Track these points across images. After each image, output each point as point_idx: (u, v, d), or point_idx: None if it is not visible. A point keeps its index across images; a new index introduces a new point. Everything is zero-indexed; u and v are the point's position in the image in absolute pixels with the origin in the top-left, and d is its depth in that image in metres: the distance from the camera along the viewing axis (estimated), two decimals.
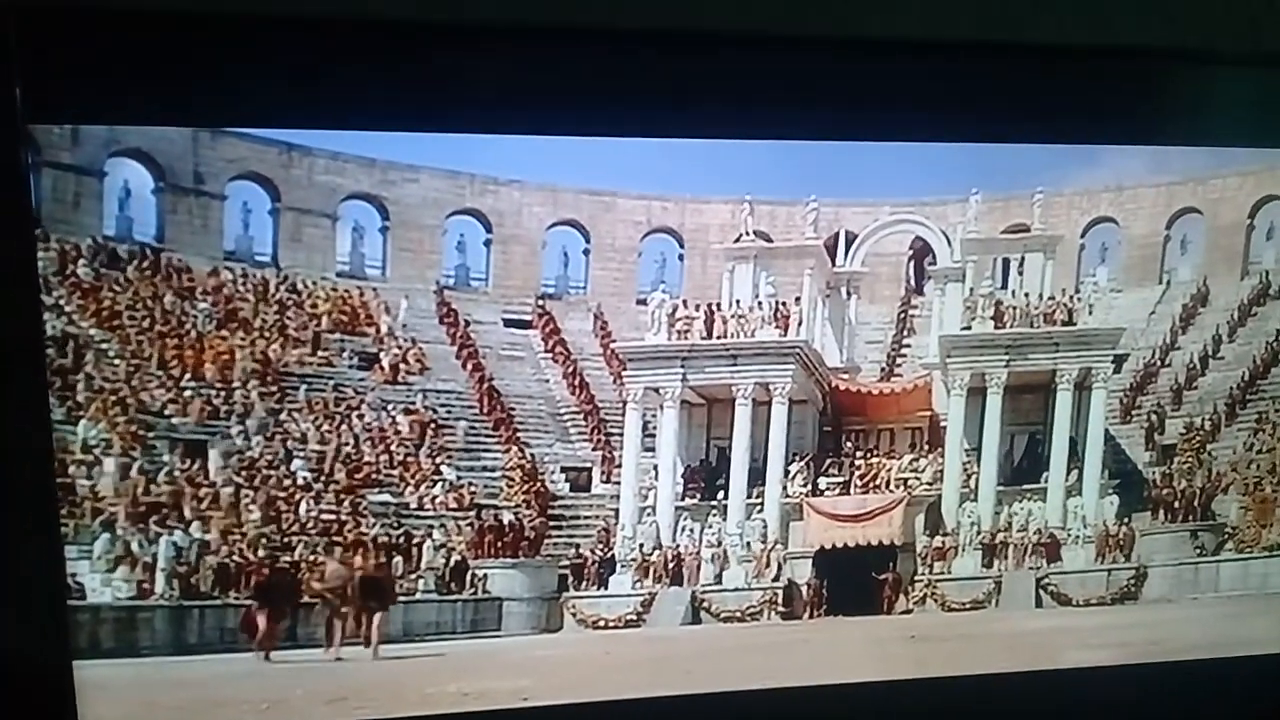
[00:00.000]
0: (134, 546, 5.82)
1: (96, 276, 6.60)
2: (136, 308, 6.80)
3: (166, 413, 6.64)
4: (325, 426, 7.38)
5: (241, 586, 6.13)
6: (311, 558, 6.72)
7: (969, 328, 8.40)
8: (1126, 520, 7.77)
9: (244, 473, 6.76)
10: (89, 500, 5.78)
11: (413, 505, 7.39)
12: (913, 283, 9.53)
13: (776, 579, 7.63)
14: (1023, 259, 8.62)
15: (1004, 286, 8.63)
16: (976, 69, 3.44)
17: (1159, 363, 8.95)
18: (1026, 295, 8.44)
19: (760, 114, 3.45)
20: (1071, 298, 8.34)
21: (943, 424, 8.40)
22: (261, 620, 5.99)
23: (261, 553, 6.53)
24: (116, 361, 6.50)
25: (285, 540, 6.61)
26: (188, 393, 6.79)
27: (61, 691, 3.41)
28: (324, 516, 6.92)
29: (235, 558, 6.25)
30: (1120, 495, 7.96)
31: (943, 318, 8.72)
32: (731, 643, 7.04)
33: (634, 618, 7.15)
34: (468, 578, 7.11)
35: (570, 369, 9.03)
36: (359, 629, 6.35)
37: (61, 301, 6.23)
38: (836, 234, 8.90)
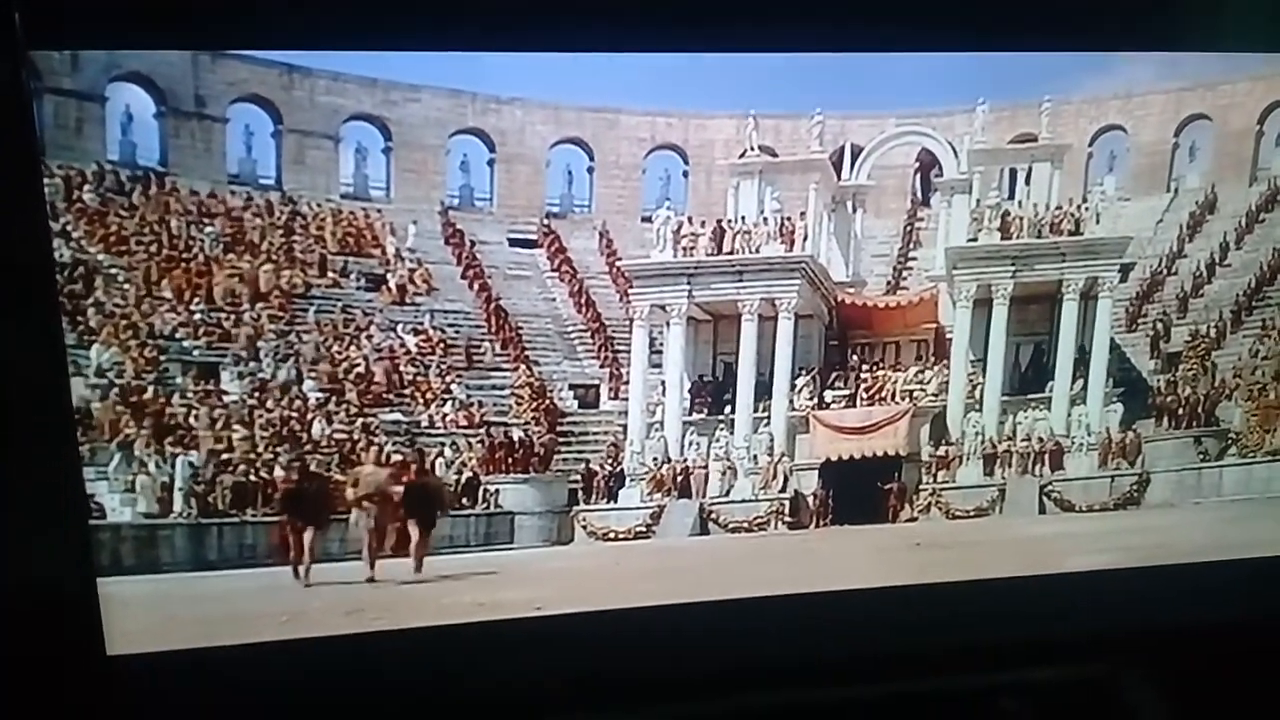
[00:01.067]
0: (150, 467, 5.91)
1: (102, 202, 6.61)
2: (144, 232, 6.84)
3: (178, 336, 6.72)
4: (335, 347, 7.44)
5: (259, 504, 6.16)
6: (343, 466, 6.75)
7: (975, 239, 8.36)
8: (1131, 427, 7.82)
9: (256, 394, 6.83)
10: (105, 423, 5.85)
11: (424, 424, 7.48)
12: (919, 195, 9.48)
13: (783, 490, 7.73)
14: (1030, 169, 8.56)
15: (1011, 197, 8.57)
16: None
17: (1165, 271, 8.92)
18: (1034, 205, 8.39)
19: (764, 27, 3.43)
20: (1079, 207, 8.29)
21: (948, 336, 8.42)
22: (293, 536, 5.83)
23: (281, 468, 6.48)
24: (126, 286, 6.56)
25: (301, 460, 6.62)
26: (197, 316, 6.85)
27: (87, 607, 3.52)
28: (337, 436, 6.97)
29: (251, 477, 6.27)
30: (1124, 403, 7.99)
31: (949, 230, 8.68)
32: (739, 553, 7.18)
33: (643, 530, 7.28)
34: (480, 493, 7.19)
35: (576, 287, 9.07)
36: (402, 546, 6.08)
37: (69, 227, 6.26)
38: (842, 147, 8.83)
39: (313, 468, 6.58)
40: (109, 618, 3.57)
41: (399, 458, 6.92)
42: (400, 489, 6.31)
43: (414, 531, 6.13)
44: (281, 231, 7.74)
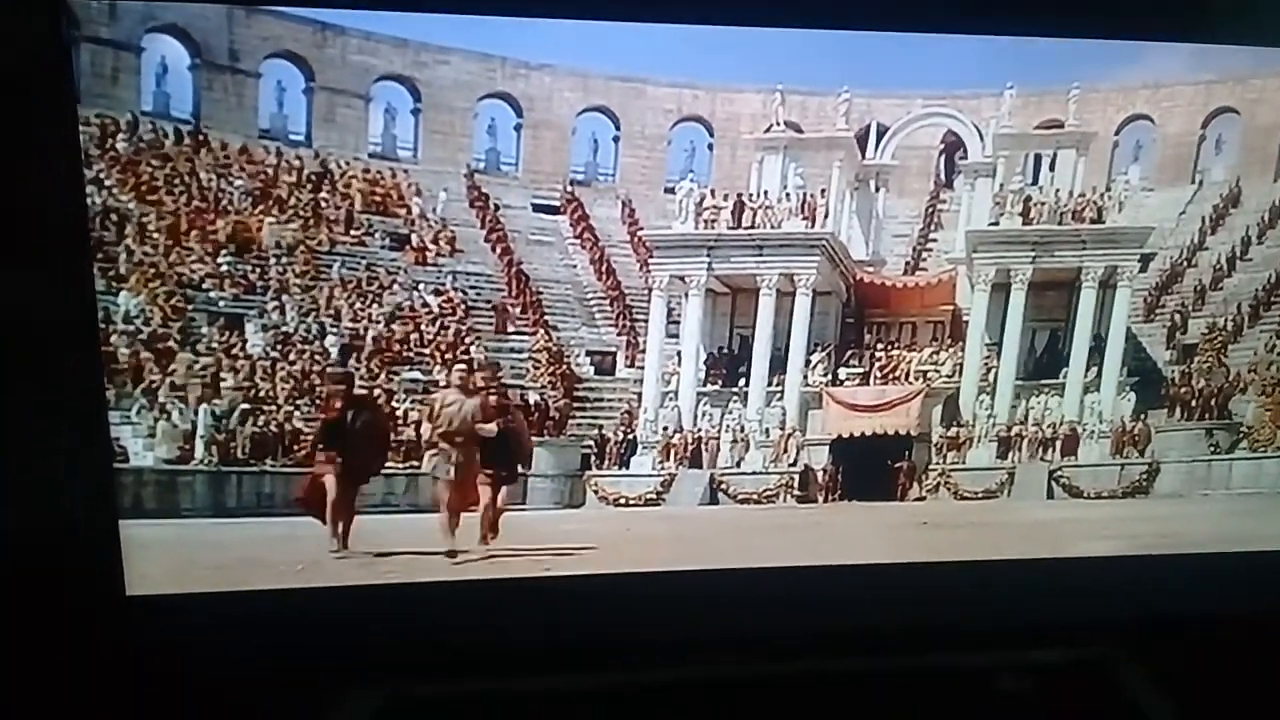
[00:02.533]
0: (174, 414, 6.00)
1: (135, 151, 6.67)
2: (174, 183, 6.91)
3: (205, 286, 6.79)
4: (358, 304, 7.50)
5: (278, 453, 6.21)
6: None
7: (997, 223, 8.37)
8: (1143, 417, 7.83)
9: (279, 347, 6.91)
10: (130, 368, 5.94)
11: (441, 383, 7.52)
12: (942, 177, 9.45)
13: (794, 464, 7.79)
14: (1055, 155, 8.53)
15: (1034, 182, 8.55)
16: None
17: (1186, 263, 8.90)
18: (1056, 192, 8.37)
19: (795, 2, 3.44)
20: (1102, 195, 8.27)
21: (965, 318, 8.43)
22: (333, 485, 5.02)
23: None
24: (155, 235, 6.63)
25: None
26: (224, 268, 6.92)
27: (109, 548, 3.60)
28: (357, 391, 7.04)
29: (272, 427, 6.33)
30: (1138, 392, 8.01)
31: (971, 213, 8.67)
32: (747, 523, 7.24)
33: (654, 497, 7.33)
34: None
35: (598, 255, 9.11)
36: (469, 502, 5.20)
37: (102, 175, 6.32)
38: (868, 126, 8.81)
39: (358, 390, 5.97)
40: (129, 559, 3.64)
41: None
42: (492, 428, 5.34)
43: (485, 490, 5.28)
44: (309, 188, 7.80)
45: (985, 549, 5.32)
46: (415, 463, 5.91)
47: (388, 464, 5.82)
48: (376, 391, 7.02)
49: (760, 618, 3.99)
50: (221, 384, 6.38)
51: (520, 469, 5.81)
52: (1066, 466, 7.78)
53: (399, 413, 6.85)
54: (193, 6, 5.53)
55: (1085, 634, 4.19)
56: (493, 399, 5.54)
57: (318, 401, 6.41)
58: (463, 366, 6.02)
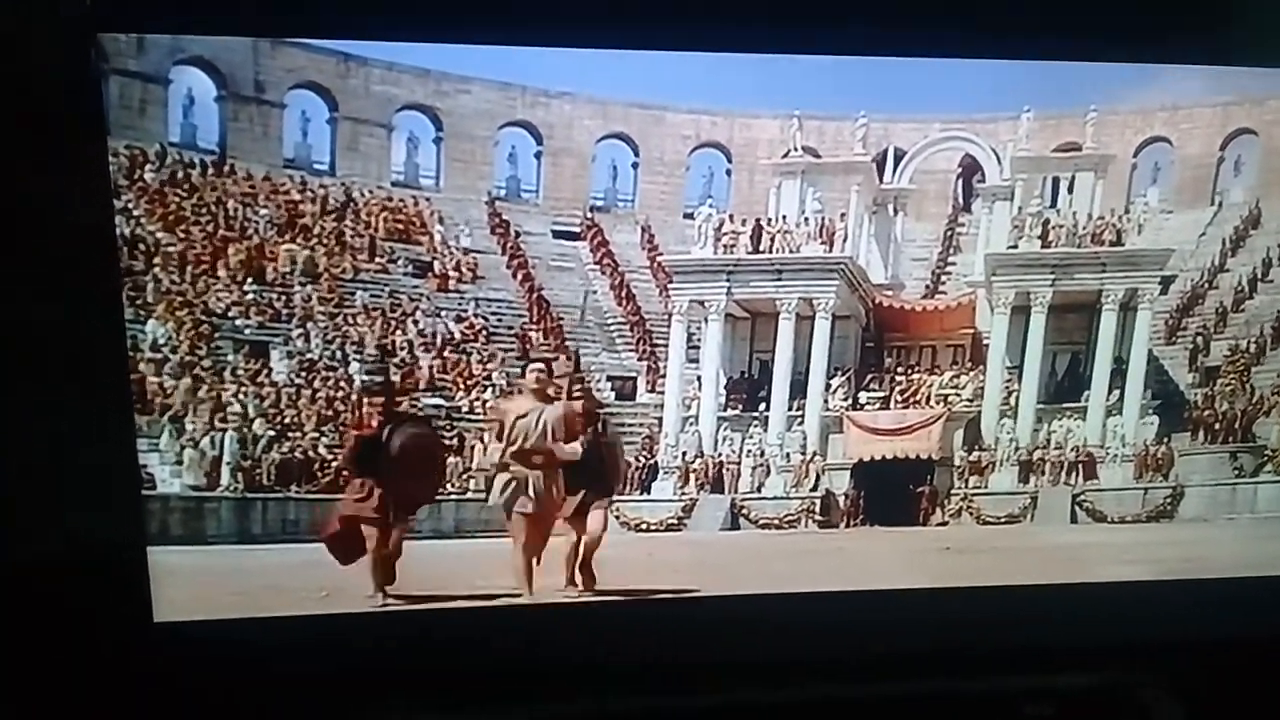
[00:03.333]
0: (201, 441, 6.05)
1: (162, 182, 6.76)
2: (201, 212, 6.99)
3: (230, 314, 6.86)
4: (381, 331, 7.56)
5: (303, 480, 6.24)
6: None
7: (1015, 246, 8.37)
8: (1166, 440, 7.79)
9: (304, 374, 6.96)
10: (158, 396, 5.99)
11: (464, 409, 7.57)
12: (961, 200, 9.45)
13: (815, 489, 7.78)
14: (1073, 178, 8.52)
15: (1053, 205, 8.55)
16: None
17: (1206, 285, 8.85)
18: (1075, 214, 8.37)
19: (811, 29, 3.48)
20: (1121, 218, 8.26)
21: (985, 341, 8.42)
22: (369, 520, 4.39)
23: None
24: (183, 264, 6.72)
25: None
26: (250, 296, 6.98)
27: (137, 574, 3.63)
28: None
29: (297, 454, 6.35)
30: (1160, 416, 7.97)
31: (989, 236, 8.67)
32: (769, 549, 7.23)
33: (675, 522, 7.33)
34: None
35: (617, 280, 9.14)
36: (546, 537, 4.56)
37: (130, 205, 6.41)
38: (885, 150, 8.83)
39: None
40: (156, 586, 3.67)
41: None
42: (577, 448, 4.61)
43: (575, 524, 4.65)
44: (333, 216, 7.88)
45: (1008, 574, 5.28)
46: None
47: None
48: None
49: (781, 643, 3.98)
50: (247, 410, 6.43)
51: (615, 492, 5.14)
52: (1090, 490, 7.73)
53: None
54: (219, 39, 5.60)
55: (1110, 659, 4.16)
56: (578, 405, 4.81)
57: (346, 420, 6.17)
58: (539, 366, 4.92)
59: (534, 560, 4.56)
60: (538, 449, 4.57)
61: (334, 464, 6.10)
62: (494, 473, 4.68)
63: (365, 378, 6.45)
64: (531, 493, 4.57)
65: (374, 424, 4.54)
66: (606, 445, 4.90)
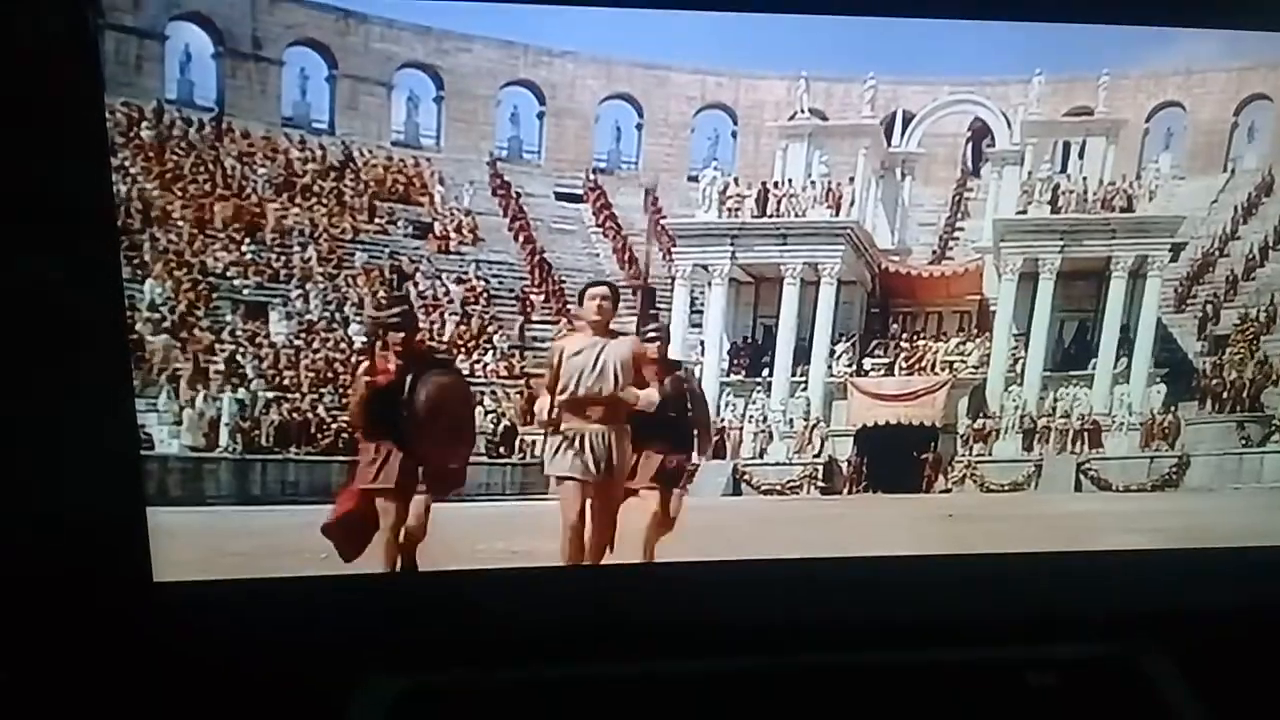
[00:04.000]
0: (199, 402, 6.02)
1: (160, 139, 6.69)
2: (199, 171, 6.92)
3: (229, 275, 6.81)
4: (381, 293, 7.51)
5: (301, 443, 6.21)
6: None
7: (1024, 212, 8.29)
8: (1173, 409, 7.75)
9: (303, 335, 6.92)
10: (156, 355, 5.96)
11: (464, 372, 7.53)
12: (969, 165, 9.36)
13: (818, 455, 7.76)
14: (1084, 143, 8.43)
15: (1063, 171, 8.47)
16: None
17: (1217, 252, 8.78)
18: (1085, 180, 8.28)
19: None
20: (1132, 184, 8.18)
21: (992, 308, 8.37)
22: (386, 496, 3.73)
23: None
24: (180, 223, 6.65)
25: (344, 400, 6.59)
26: (248, 256, 6.93)
27: (137, 535, 3.61)
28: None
29: (295, 415, 6.35)
30: (1168, 384, 7.93)
31: (998, 201, 8.60)
32: (770, 514, 7.22)
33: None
34: (516, 443, 7.21)
35: (620, 244, 9.07)
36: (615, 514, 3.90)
37: (127, 163, 6.35)
38: (893, 113, 8.74)
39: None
40: (155, 546, 3.65)
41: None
42: (654, 395, 3.80)
43: (648, 494, 4.04)
44: (332, 176, 7.81)
45: (1011, 542, 5.26)
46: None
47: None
48: None
49: (782, 609, 3.96)
50: (246, 371, 6.40)
51: (697, 455, 4.32)
52: (1095, 459, 7.71)
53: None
54: None
55: (1113, 628, 4.14)
56: (651, 347, 4.02)
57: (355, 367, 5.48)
58: (602, 290, 3.85)
59: (582, 543, 3.85)
60: (594, 396, 3.72)
61: (333, 426, 6.07)
62: (548, 433, 3.81)
63: (379, 313, 5.35)
64: (589, 454, 3.76)
65: (392, 369, 3.78)
66: (693, 396, 4.21)
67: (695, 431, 4.23)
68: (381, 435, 3.79)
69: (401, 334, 3.89)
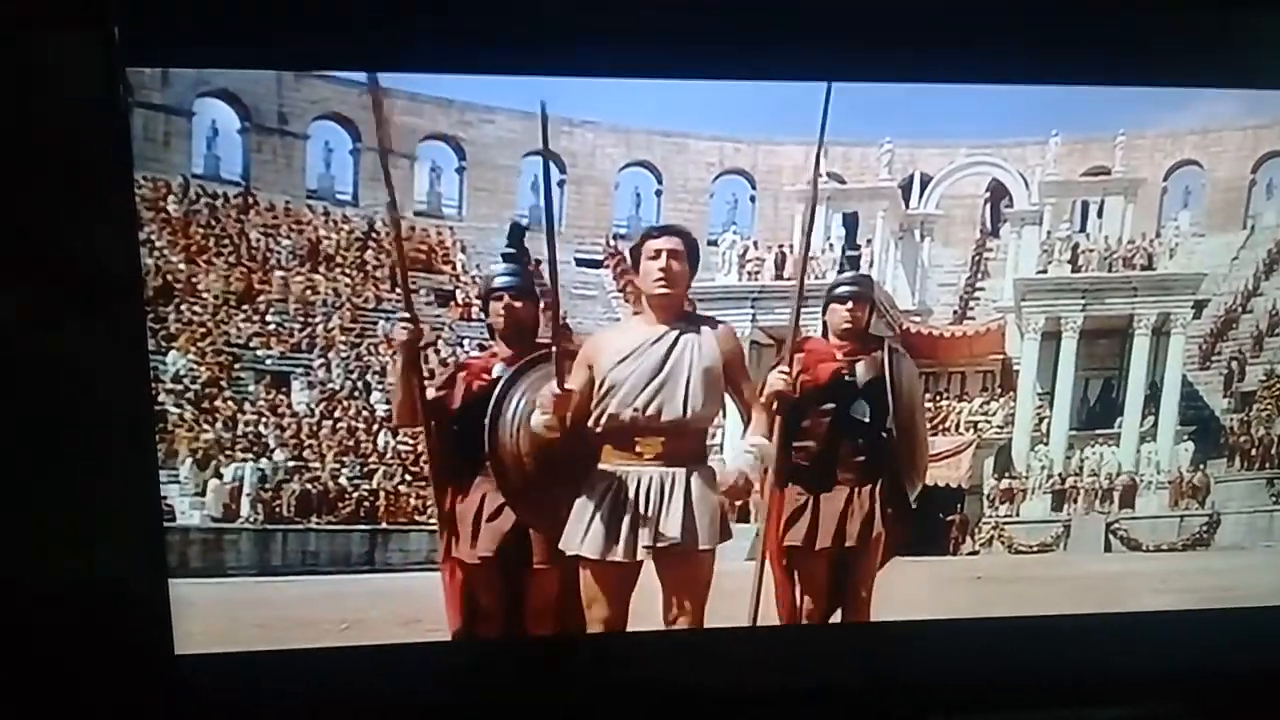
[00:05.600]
0: (221, 472, 6.04)
1: (186, 213, 6.80)
2: (224, 244, 7.02)
3: (252, 345, 6.87)
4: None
5: (322, 512, 6.22)
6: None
7: (1045, 271, 8.30)
8: (1201, 466, 7.66)
9: (325, 404, 6.95)
10: (179, 427, 6.00)
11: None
12: (988, 225, 9.38)
13: None
14: (1102, 202, 8.46)
15: (1082, 230, 8.48)
16: (1059, 7, 3.42)
17: (1240, 309, 8.73)
18: (1105, 239, 8.30)
19: (835, 56, 3.47)
20: (1152, 242, 8.19)
21: (1015, 368, 8.34)
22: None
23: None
24: (205, 295, 6.72)
25: (366, 469, 6.63)
26: (271, 326, 6.99)
27: (159, 608, 3.62)
28: (401, 448, 7.05)
29: (316, 485, 6.34)
30: (1196, 442, 7.84)
31: (1018, 261, 8.61)
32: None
33: None
34: None
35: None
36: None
37: (153, 237, 6.45)
38: (911, 176, 8.80)
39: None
40: (176, 618, 3.66)
41: None
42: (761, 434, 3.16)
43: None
44: (356, 246, 7.89)
45: (1040, 604, 5.18)
46: None
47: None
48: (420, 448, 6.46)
49: (808, 675, 3.92)
50: (268, 442, 6.42)
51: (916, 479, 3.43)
52: (1124, 519, 7.62)
53: None
54: (244, 72, 5.65)
55: (1146, 690, 4.08)
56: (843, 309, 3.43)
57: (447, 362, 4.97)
58: (668, 241, 3.32)
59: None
60: (654, 425, 2.81)
61: (354, 495, 6.05)
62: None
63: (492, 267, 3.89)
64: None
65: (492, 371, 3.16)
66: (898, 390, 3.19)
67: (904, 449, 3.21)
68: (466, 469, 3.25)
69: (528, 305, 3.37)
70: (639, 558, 3.04)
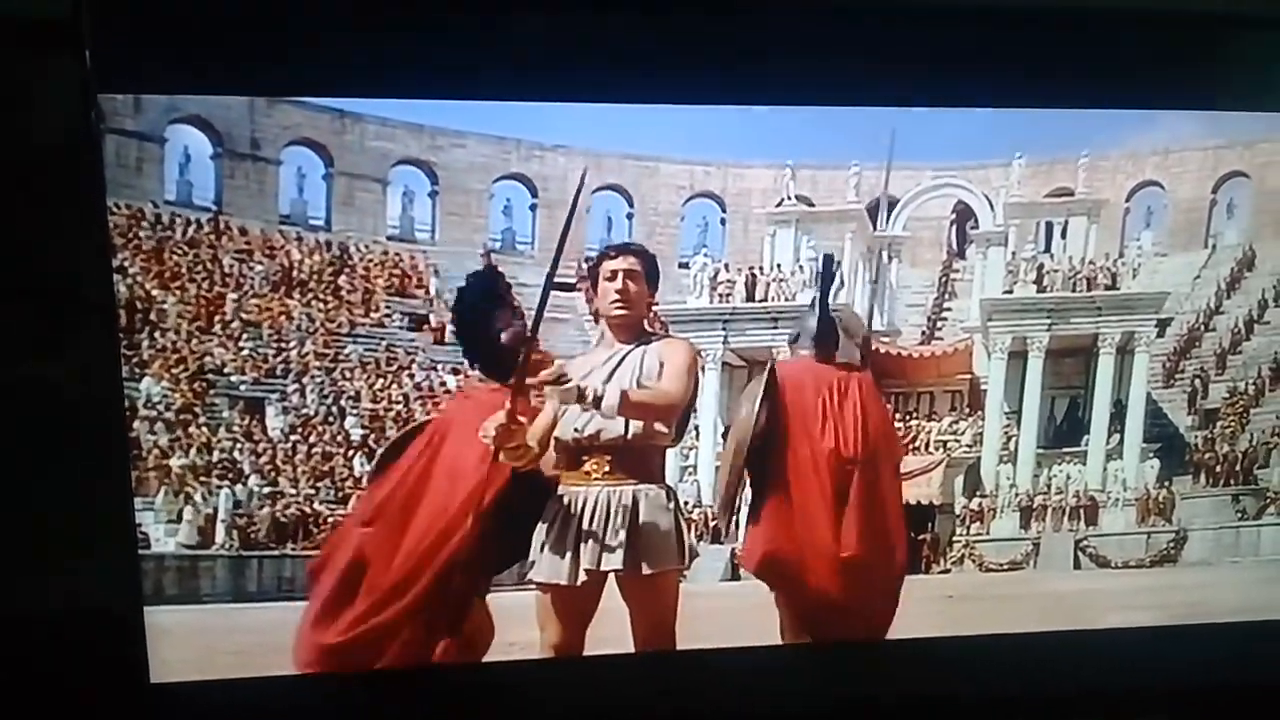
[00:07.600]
0: (196, 499, 6.01)
1: (158, 240, 6.78)
2: (197, 270, 7.00)
3: (226, 371, 6.84)
4: (378, 385, 7.54)
5: (298, 538, 6.17)
6: None
7: (1011, 291, 8.40)
8: (1167, 484, 7.75)
9: (300, 429, 6.92)
10: (153, 454, 5.96)
11: None
12: (954, 246, 9.49)
13: None
14: (1066, 223, 8.57)
15: (1047, 250, 8.59)
16: (1022, 32, 3.48)
17: (1203, 327, 8.88)
18: (1069, 259, 8.41)
19: (803, 81, 3.52)
20: (1115, 262, 8.31)
21: (983, 387, 8.42)
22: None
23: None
24: (178, 322, 6.71)
25: (341, 494, 6.61)
26: (245, 352, 6.97)
27: (134, 636, 3.60)
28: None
29: (291, 511, 6.30)
30: (1161, 459, 7.94)
31: (984, 281, 8.71)
32: (769, 600, 7.13)
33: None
34: None
35: None
36: None
37: (126, 263, 6.42)
38: (878, 198, 8.89)
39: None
40: (152, 647, 3.64)
41: None
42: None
43: None
44: (329, 271, 7.89)
45: (1012, 621, 5.23)
46: None
47: None
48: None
49: (782, 695, 3.94)
50: (242, 468, 6.40)
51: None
52: (1092, 536, 7.69)
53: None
54: (215, 98, 5.65)
55: (1114, 706, 4.12)
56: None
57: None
58: (623, 262, 3.48)
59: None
60: (595, 444, 2.84)
61: (329, 521, 6.03)
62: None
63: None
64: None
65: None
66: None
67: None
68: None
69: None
70: (579, 581, 2.99)
